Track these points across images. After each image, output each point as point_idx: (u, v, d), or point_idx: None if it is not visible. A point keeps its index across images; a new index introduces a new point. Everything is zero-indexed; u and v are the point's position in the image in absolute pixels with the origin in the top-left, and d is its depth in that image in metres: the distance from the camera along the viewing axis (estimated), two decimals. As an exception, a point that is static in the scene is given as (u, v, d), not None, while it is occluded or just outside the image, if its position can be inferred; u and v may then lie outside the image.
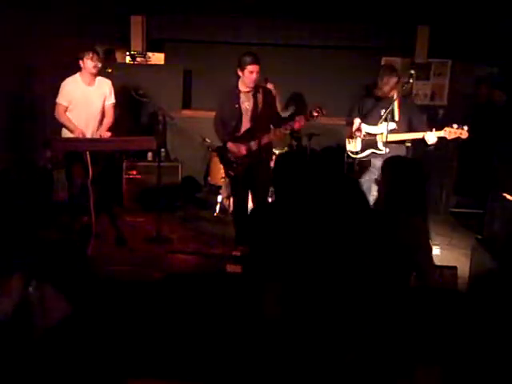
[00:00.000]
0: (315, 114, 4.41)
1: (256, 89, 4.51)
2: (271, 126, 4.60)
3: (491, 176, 5.11)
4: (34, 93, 5.71)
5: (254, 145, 4.50)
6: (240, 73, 4.43)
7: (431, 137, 4.48)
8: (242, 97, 4.51)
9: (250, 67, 4.36)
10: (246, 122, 4.52)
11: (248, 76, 4.39)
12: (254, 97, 4.50)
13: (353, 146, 4.83)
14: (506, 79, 6.37)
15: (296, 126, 4.47)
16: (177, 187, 6.16)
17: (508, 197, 4.37)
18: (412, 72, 4.66)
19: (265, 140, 4.52)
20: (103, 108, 5.00)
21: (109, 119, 5.02)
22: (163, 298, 3.56)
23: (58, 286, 3.35)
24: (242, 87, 4.50)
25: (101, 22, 6.33)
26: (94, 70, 4.81)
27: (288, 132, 4.72)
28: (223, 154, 4.66)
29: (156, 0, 6.51)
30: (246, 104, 4.50)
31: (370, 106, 4.73)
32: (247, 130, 4.52)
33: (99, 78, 4.97)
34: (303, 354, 2.14)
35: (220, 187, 5.96)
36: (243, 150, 4.50)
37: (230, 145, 4.55)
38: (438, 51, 6.45)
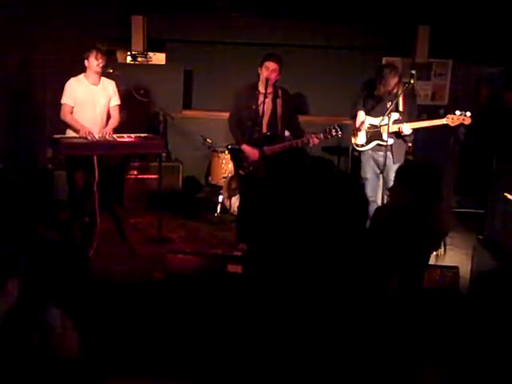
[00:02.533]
0: (334, 133, 4.38)
1: (275, 92, 4.46)
2: (286, 134, 4.58)
3: (492, 176, 5.11)
4: (34, 93, 5.72)
5: (267, 151, 4.46)
6: (259, 70, 4.39)
7: (406, 128, 4.54)
8: (261, 98, 4.39)
9: (266, 63, 4.32)
10: (262, 125, 4.43)
11: (263, 71, 4.33)
12: (274, 101, 4.44)
13: (358, 138, 4.85)
14: (507, 80, 6.36)
15: (311, 144, 4.44)
16: (177, 187, 6.16)
17: (509, 197, 4.36)
18: (413, 72, 4.67)
19: (279, 148, 4.49)
20: (108, 109, 4.97)
21: (114, 120, 4.94)
22: (164, 298, 3.56)
23: (57, 287, 3.34)
24: (261, 88, 4.41)
25: (101, 22, 6.33)
26: (98, 69, 4.77)
27: (304, 145, 4.63)
28: (236, 153, 4.63)
29: (157, 0, 6.51)
30: (264, 107, 4.38)
31: (374, 101, 4.75)
32: (263, 135, 4.46)
33: (103, 79, 4.95)
34: (305, 352, 2.14)
35: (221, 187, 5.95)
36: (256, 155, 4.45)
37: (245, 147, 4.49)
38: (439, 51, 6.45)
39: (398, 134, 4.66)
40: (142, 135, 4.82)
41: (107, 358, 2.71)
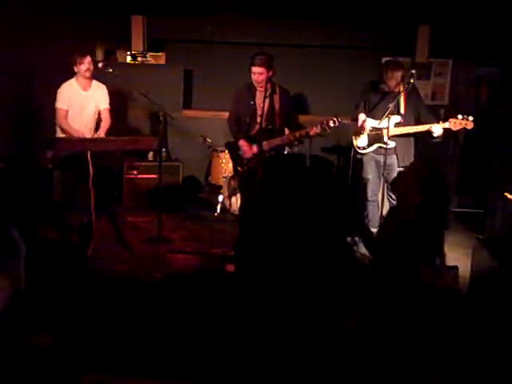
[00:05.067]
0: (331, 124, 4.35)
1: (273, 89, 4.48)
2: (285, 129, 4.59)
3: (492, 175, 5.11)
4: (34, 93, 5.72)
5: (266, 145, 4.46)
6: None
7: (437, 128, 4.48)
8: (258, 95, 4.46)
9: (252, 68, 4.37)
10: (260, 120, 4.46)
11: (252, 76, 4.39)
12: (271, 97, 4.46)
13: (360, 141, 4.83)
14: (507, 79, 6.36)
15: (312, 132, 4.41)
16: (177, 187, 6.15)
17: (509, 196, 4.37)
18: (413, 72, 4.65)
19: (277, 142, 4.49)
20: (99, 112, 5.05)
21: (106, 123, 5.07)
22: (163, 298, 3.57)
23: (57, 286, 3.35)
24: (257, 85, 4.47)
25: (101, 21, 6.33)
26: (87, 74, 4.86)
27: (302, 137, 4.62)
28: (234, 150, 4.64)
29: (157, 0, 6.51)
30: (262, 103, 4.41)
31: (376, 100, 4.73)
32: (261, 130, 4.47)
33: (95, 83, 5.01)
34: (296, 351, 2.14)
35: (221, 187, 5.96)
36: (254, 149, 4.46)
37: (242, 142, 4.53)
38: (439, 51, 6.44)
39: (418, 135, 4.62)
40: (134, 137, 4.92)
41: (107, 358, 2.71)
